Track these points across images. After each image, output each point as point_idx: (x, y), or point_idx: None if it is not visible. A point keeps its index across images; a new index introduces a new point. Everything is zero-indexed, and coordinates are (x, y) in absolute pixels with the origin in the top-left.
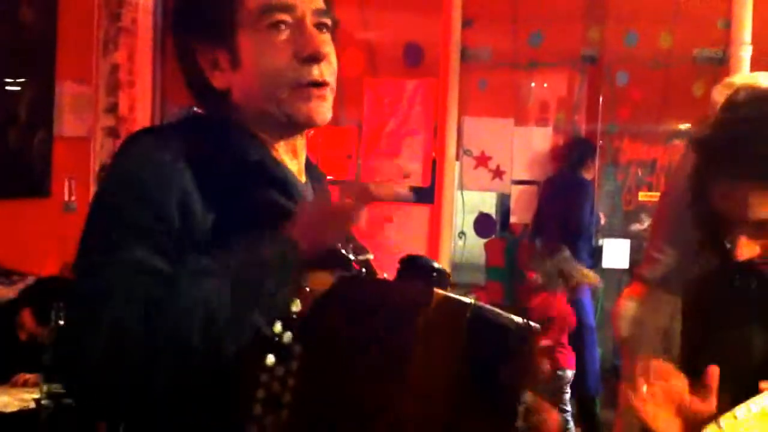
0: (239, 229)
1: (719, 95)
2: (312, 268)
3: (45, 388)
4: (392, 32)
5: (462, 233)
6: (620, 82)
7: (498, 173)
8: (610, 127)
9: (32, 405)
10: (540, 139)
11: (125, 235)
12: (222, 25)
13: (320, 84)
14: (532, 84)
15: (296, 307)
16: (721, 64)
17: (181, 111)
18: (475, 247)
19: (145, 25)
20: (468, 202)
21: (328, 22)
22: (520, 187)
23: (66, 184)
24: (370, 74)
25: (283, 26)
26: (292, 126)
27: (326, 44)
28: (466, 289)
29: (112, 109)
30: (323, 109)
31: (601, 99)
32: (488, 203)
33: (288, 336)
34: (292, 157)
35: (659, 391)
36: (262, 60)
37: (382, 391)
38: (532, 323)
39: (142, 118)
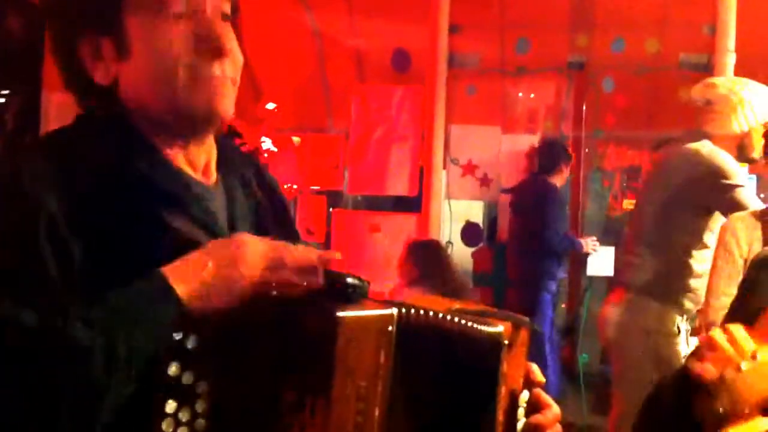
0: (120, 258)
1: (698, 94)
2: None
3: None
4: (380, 39)
5: (449, 242)
6: (606, 88)
7: (485, 181)
8: (596, 132)
9: None
10: (527, 147)
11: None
12: (107, 8)
13: (222, 66)
14: (520, 94)
15: (191, 343)
16: (707, 70)
17: None
18: (462, 256)
19: None
20: (455, 210)
21: (227, 8)
22: (508, 195)
23: None
24: (357, 81)
25: (179, 12)
26: (190, 122)
27: (229, 37)
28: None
29: None
30: (226, 102)
31: (584, 105)
32: (475, 212)
33: (188, 377)
34: (192, 160)
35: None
36: (155, 49)
37: (303, 429)
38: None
39: None
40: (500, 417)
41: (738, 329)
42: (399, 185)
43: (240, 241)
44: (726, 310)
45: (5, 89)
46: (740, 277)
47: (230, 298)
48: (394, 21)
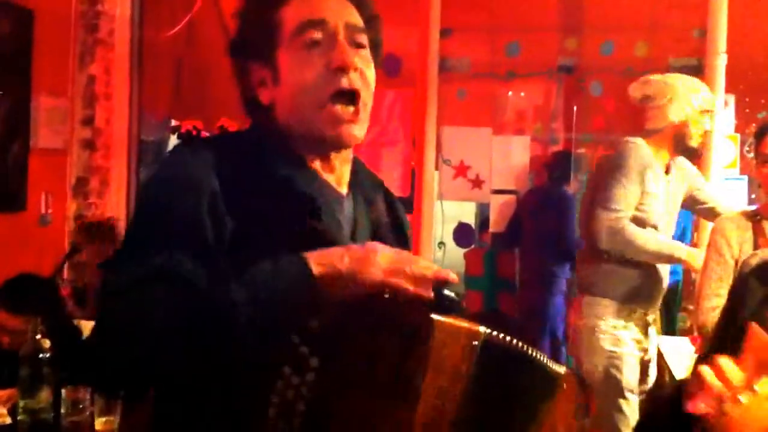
0: (261, 241)
1: (636, 91)
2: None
3: (22, 403)
4: None
5: (441, 243)
6: (595, 91)
7: (477, 183)
8: (585, 136)
9: (8, 420)
10: (518, 149)
11: (158, 238)
12: (265, 45)
13: (349, 94)
14: (509, 93)
15: (314, 323)
16: (697, 73)
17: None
18: (454, 256)
19: (122, 37)
20: (447, 211)
21: (363, 39)
22: (499, 196)
23: (42, 197)
24: None
25: (317, 42)
26: (320, 144)
27: (358, 57)
28: None
29: (89, 121)
30: (352, 131)
31: (575, 108)
32: (467, 213)
33: (305, 349)
34: (329, 172)
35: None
36: (297, 74)
37: (389, 411)
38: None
39: (119, 130)
40: None
41: (725, 362)
42: (391, 186)
43: (374, 247)
44: (716, 311)
45: None
46: (731, 279)
47: (356, 289)
48: (385, 25)
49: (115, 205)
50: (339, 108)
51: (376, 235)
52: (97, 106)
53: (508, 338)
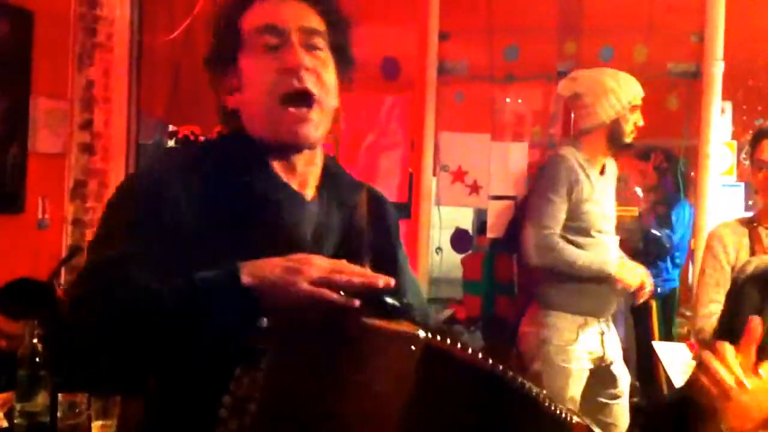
0: (220, 244)
1: (565, 89)
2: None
3: (19, 406)
4: (369, 46)
5: (439, 249)
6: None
7: (475, 188)
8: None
9: (5, 424)
10: (517, 154)
11: (120, 236)
12: (230, 53)
13: (302, 94)
14: (507, 100)
15: (264, 323)
16: (696, 78)
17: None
18: (452, 262)
19: (121, 40)
20: (445, 217)
21: (320, 42)
22: (497, 202)
23: (40, 200)
24: (347, 89)
25: (272, 47)
26: (279, 147)
27: (312, 59)
28: (444, 304)
29: (87, 124)
30: (307, 132)
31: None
32: (465, 219)
33: (255, 350)
34: (290, 174)
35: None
36: (255, 78)
37: (333, 414)
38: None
39: (118, 134)
40: None
41: (729, 348)
42: (389, 192)
43: (307, 259)
44: (713, 317)
45: None
46: (728, 285)
47: (288, 298)
48: (383, 28)
49: None
50: (292, 109)
51: (345, 240)
52: (96, 109)
53: (455, 345)
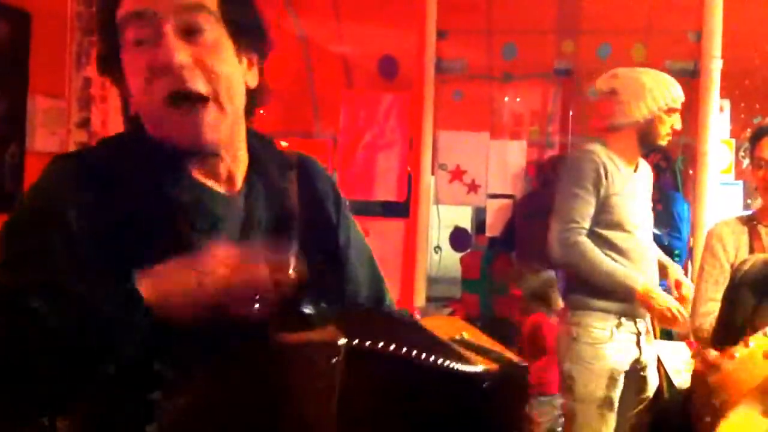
0: (132, 251)
1: (603, 85)
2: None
3: None
4: (368, 45)
5: (438, 247)
6: (593, 94)
7: (473, 187)
8: (581, 140)
9: None
10: (515, 153)
11: (20, 255)
12: (110, 52)
13: (187, 95)
14: (506, 98)
15: (172, 341)
16: (694, 76)
17: None
18: (451, 261)
19: None
20: (443, 216)
21: (204, 23)
22: (496, 200)
23: None
24: (345, 87)
25: (140, 42)
26: (180, 152)
27: (196, 48)
28: (442, 302)
29: (85, 123)
30: (203, 135)
31: (571, 111)
32: (464, 217)
33: (171, 374)
34: (207, 174)
35: None
36: (132, 79)
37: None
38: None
39: (115, 132)
40: None
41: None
42: (387, 191)
43: (207, 259)
44: (712, 315)
45: None
46: (727, 283)
47: (195, 311)
48: (381, 27)
49: None
50: (179, 111)
51: (278, 230)
52: (93, 108)
53: (380, 345)
